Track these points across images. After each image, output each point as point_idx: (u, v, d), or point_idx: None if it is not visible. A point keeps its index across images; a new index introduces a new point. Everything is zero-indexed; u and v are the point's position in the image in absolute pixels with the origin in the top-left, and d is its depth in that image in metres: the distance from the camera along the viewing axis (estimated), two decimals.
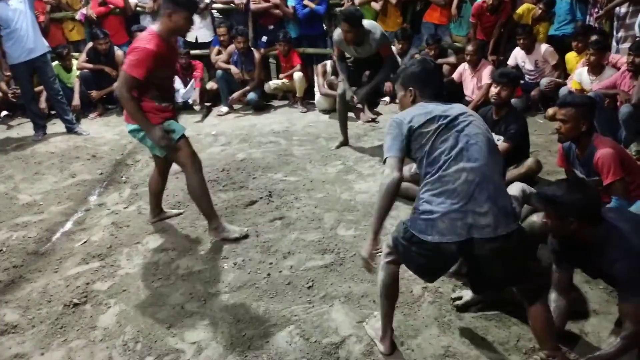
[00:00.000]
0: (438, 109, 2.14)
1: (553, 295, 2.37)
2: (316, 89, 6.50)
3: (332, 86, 6.21)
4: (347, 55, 4.79)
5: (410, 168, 3.58)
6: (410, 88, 2.27)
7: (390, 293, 2.29)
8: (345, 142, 5.12)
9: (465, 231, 1.96)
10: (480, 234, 1.96)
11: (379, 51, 4.55)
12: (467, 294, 2.64)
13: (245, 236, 3.36)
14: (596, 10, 5.87)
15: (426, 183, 2.07)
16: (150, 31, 2.98)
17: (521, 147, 3.73)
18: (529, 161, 3.68)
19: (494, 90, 3.67)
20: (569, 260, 2.34)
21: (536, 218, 2.86)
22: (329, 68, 6.33)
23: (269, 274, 3.00)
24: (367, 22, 4.49)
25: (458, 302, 2.65)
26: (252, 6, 6.81)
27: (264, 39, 6.95)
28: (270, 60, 7.40)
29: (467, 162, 2.02)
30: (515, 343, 2.41)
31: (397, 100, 2.44)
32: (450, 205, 1.98)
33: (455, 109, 2.17)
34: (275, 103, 6.97)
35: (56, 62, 6.35)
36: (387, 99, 6.57)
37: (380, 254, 2.99)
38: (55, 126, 6.06)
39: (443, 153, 2.05)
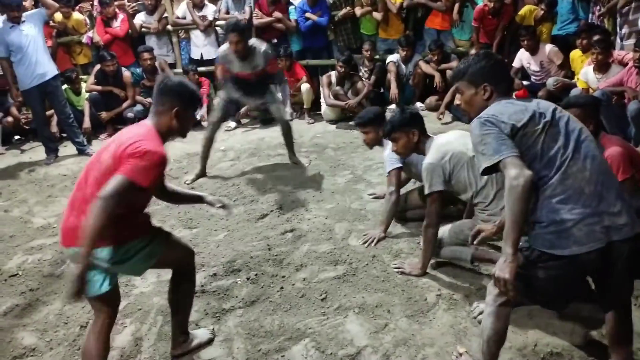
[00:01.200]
0: (530, 105, 1.94)
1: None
2: (322, 100, 6.54)
3: (337, 96, 6.25)
4: (232, 70, 4.64)
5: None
6: (485, 85, 2.04)
7: (502, 339, 2.05)
8: (202, 174, 4.90)
9: (605, 235, 1.78)
10: (619, 235, 1.79)
11: (266, 68, 4.58)
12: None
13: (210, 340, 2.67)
14: (598, 8, 5.86)
15: (544, 189, 1.84)
16: (149, 128, 2.22)
17: None
18: None
19: None
20: None
21: None
22: (334, 79, 6.37)
23: (282, 287, 3.01)
24: (252, 40, 4.61)
25: (481, 317, 2.58)
26: (255, 21, 6.87)
27: None
28: None
29: (585, 159, 1.85)
30: (533, 348, 2.38)
31: (457, 101, 2.30)
32: (584, 210, 1.79)
33: (543, 103, 2.00)
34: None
35: (65, 86, 6.46)
36: (393, 106, 6.58)
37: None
38: (67, 148, 6.14)
39: (558, 153, 1.85)
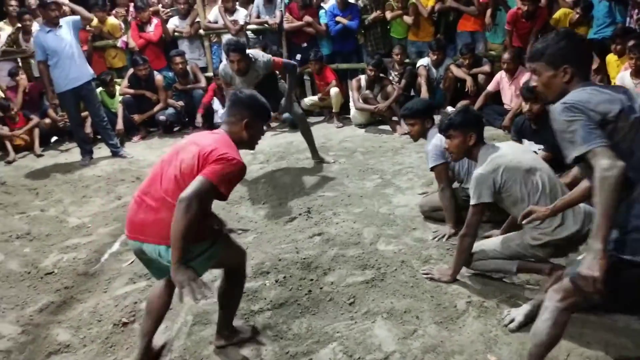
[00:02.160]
0: (617, 95, 1.81)
1: None
2: (351, 103, 6.54)
3: (367, 100, 6.24)
4: (233, 84, 4.68)
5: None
6: (566, 66, 1.90)
7: (554, 344, 2.00)
8: None
9: None
10: None
11: (271, 71, 4.61)
12: (519, 315, 2.54)
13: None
14: (636, 11, 5.70)
15: (630, 192, 1.75)
16: (224, 136, 2.32)
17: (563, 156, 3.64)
18: (574, 170, 3.59)
19: (525, 106, 3.59)
20: None
21: None
22: (363, 83, 6.36)
23: (310, 291, 3.01)
24: (251, 51, 4.61)
25: (512, 325, 2.53)
26: (286, 25, 6.93)
27: (298, 57, 7.04)
28: (305, 77, 7.49)
29: None
30: (565, 358, 2.33)
31: (533, 82, 2.07)
32: None
33: (631, 94, 1.87)
34: (312, 119, 7.02)
35: (100, 89, 6.62)
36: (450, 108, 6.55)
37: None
38: (101, 150, 6.29)
39: None
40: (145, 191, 2.25)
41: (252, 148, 2.45)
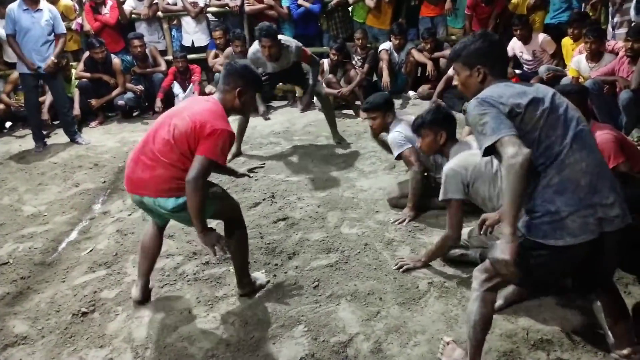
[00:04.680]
0: (528, 89, 1.89)
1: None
2: None
3: (330, 85, 6.22)
4: (260, 70, 4.66)
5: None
6: (479, 66, 1.98)
7: (488, 325, 2.06)
8: (238, 153, 5.02)
9: (597, 227, 1.79)
10: (611, 226, 1.81)
11: (298, 60, 4.60)
12: (500, 298, 2.51)
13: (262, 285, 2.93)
14: None
15: (540, 179, 1.82)
16: (216, 104, 2.52)
17: None
18: None
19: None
20: None
21: None
22: (326, 67, 6.34)
23: (274, 275, 3.01)
24: (280, 36, 4.57)
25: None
26: (247, 8, 6.82)
27: None
28: None
29: (582, 150, 1.82)
30: (524, 335, 2.41)
31: (455, 82, 2.22)
32: (578, 201, 1.78)
33: (543, 88, 1.94)
34: (275, 103, 6.98)
35: None
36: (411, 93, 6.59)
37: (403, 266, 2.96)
38: (58, 136, 6.08)
39: (556, 142, 1.81)
40: (142, 151, 2.51)
41: (244, 115, 2.71)
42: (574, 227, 1.78)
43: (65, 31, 5.71)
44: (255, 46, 4.57)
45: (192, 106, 2.51)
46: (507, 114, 1.81)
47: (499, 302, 2.55)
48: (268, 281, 2.94)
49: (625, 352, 2.12)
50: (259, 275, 2.97)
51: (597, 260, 1.91)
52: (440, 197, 2.73)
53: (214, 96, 2.58)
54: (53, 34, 5.48)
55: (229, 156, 4.89)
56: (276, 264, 3.12)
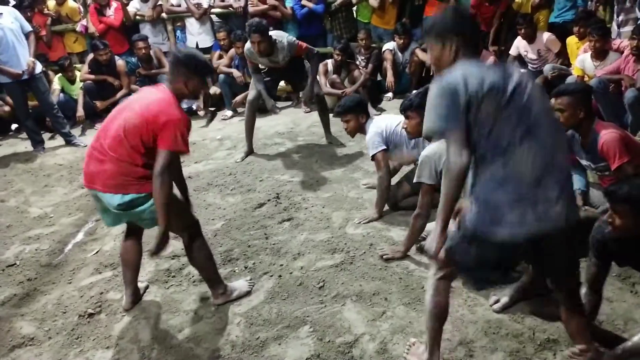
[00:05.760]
0: (490, 74, 1.80)
1: (586, 291, 2.29)
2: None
3: (334, 85, 6.22)
4: (261, 67, 4.75)
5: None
6: (451, 38, 1.91)
7: (443, 313, 2.10)
8: (250, 151, 5.04)
9: (536, 222, 1.75)
10: (552, 223, 1.77)
11: (294, 55, 4.59)
12: (504, 297, 2.59)
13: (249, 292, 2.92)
14: None
15: (485, 169, 1.80)
16: (166, 92, 2.51)
17: None
18: None
19: None
20: (619, 258, 2.24)
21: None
22: (330, 67, 6.33)
23: (280, 276, 3.01)
24: (273, 32, 4.57)
25: (496, 307, 2.58)
26: (250, 9, 6.82)
27: None
28: None
29: (534, 143, 1.77)
30: (530, 335, 2.40)
31: (429, 61, 2.16)
32: (519, 194, 1.75)
33: (510, 72, 1.85)
34: (279, 104, 6.96)
35: (60, 74, 6.41)
36: (390, 94, 6.56)
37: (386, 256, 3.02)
38: (62, 139, 6.09)
39: (507, 136, 1.76)
40: (94, 146, 2.52)
41: (197, 98, 2.75)
42: (512, 219, 1.75)
43: (31, 29, 5.55)
44: (248, 43, 4.61)
45: (143, 98, 2.55)
46: (464, 105, 1.76)
47: (505, 299, 2.57)
48: (249, 291, 2.88)
49: (576, 349, 2.14)
50: (239, 284, 2.90)
51: (544, 259, 1.92)
52: (415, 180, 2.92)
53: (163, 85, 2.59)
54: (40, 29, 5.37)
55: (241, 154, 5.00)
56: (281, 265, 3.13)
